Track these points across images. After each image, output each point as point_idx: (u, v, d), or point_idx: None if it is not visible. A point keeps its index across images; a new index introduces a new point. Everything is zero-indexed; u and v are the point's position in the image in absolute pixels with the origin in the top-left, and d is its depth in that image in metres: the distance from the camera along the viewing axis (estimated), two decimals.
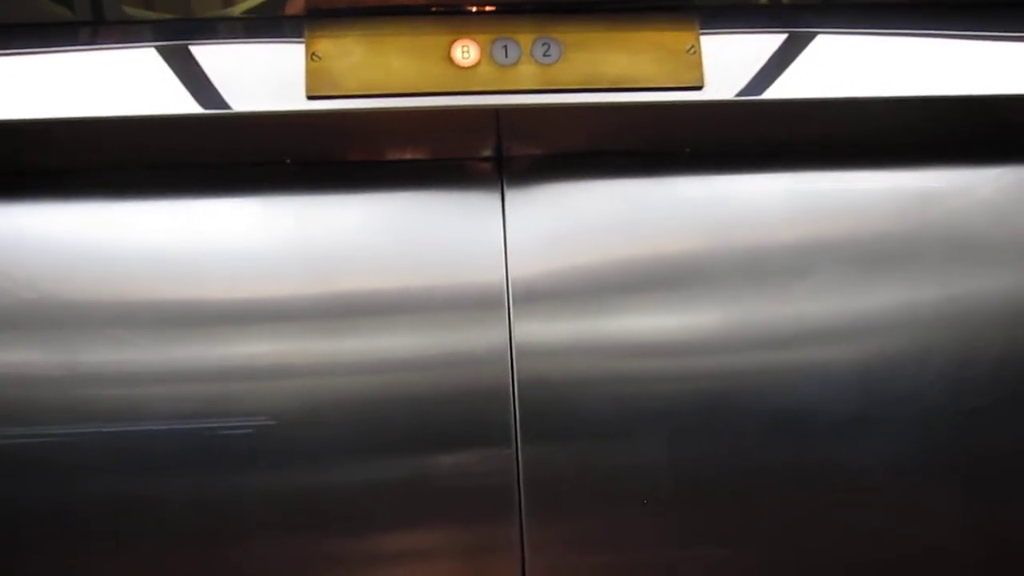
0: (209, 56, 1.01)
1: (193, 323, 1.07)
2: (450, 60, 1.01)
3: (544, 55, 1.02)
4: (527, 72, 1.01)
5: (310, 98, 1.00)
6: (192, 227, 1.09)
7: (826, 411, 1.10)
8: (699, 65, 1.02)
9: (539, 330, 1.09)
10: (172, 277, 1.07)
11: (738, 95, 1.03)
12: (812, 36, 1.05)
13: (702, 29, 1.03)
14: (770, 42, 1.05)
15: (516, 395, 1.08)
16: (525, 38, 1.02)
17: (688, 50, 1.03)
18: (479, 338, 1.09)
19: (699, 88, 1.02)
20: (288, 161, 1.11)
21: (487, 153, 1.13)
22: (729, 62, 1.03)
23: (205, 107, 0.99)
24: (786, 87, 1.03)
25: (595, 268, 1.11)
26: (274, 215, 1.10)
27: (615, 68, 1.02)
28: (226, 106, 1.00)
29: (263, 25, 1.03)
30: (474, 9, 1.03)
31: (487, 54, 1.01)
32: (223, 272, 1.08)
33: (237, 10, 1.04)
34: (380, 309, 1.09)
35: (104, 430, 1.03)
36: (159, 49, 1.01)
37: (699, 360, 1.10)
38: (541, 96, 1.01)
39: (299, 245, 1.09)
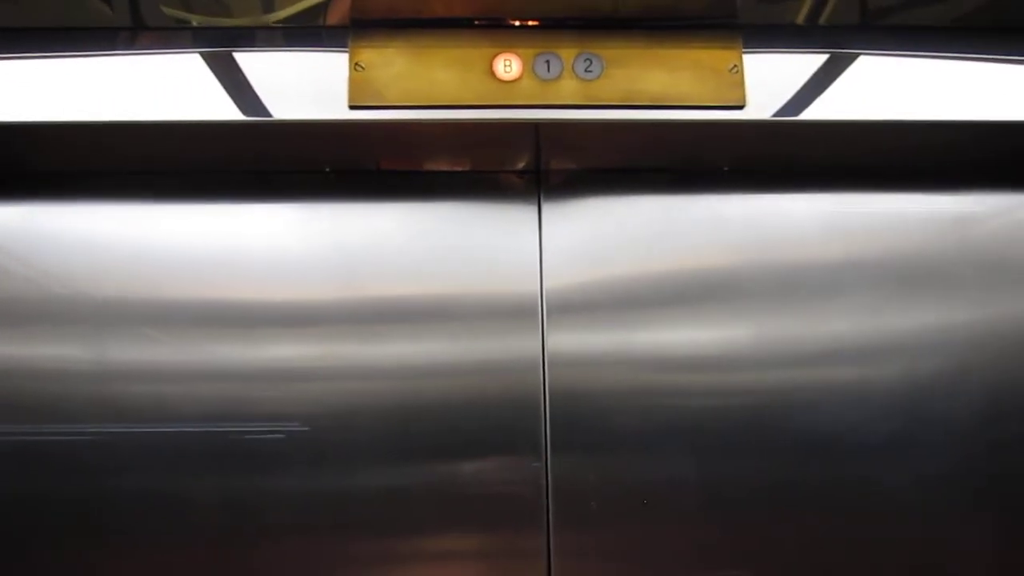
0: (252, 63, 1.02)
1: (226, 324, 1.08)
2: (492, 73, 1.01)
3: (586, 71, 1.02)
4: (568, 87, 1.02)
5: (352, 108, 1.00)
6: (229, 230, 1.10)
7: (858, 431, 1.10)
8: (741, 84, 1.02)
9: (572, 341, 1.10)
10: (207, 279, 1.09)
11: (778, 115, 1.03)
12: (854, 57, 1.05)
13: (745, 48, 1.03)
14: (812, 62, 1.05)
15: (547, 405, 1.08)
16: (567, 53, 1.02)
17: (731, 69, 1.02)
18: (512, 348, 1.09)
19: (741, 107, 1.02)
20: (328, 169, 1.11)
21: (526, 166, 1.13)
22: (771, 81, 1.03)
23: (248, 114, 1.00)
24: (827, 107, 1.03)
25: (630, 282, 1.12)
26: (311, 221, 1.11)
27: (657, 85, 1.02)
28: (268, 114, 1.00)
29: (307, 34, 1.04)
30: (517, 23, 1.03)
31: (529, 68, 1.02)
32: (258, 275, 1.09)
33: (279, 15, 1.04)
34: (414, 316, 1.10)
35: (133, 427, 1.05)
36: (203, 55, 1.02)
37: (731, 376, 1.11)
38: (581, 111, 1.01)
39: (335, 251, 1.10)
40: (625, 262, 1.12)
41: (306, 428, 1.06)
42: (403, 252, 1.11)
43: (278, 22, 1.04)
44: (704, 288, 1.12)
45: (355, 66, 1.01)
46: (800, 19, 1.06)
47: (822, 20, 1.06)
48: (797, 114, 1.03)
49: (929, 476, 1.10)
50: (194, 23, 1.04)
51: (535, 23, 1.03)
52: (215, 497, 1.05)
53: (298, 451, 1.06)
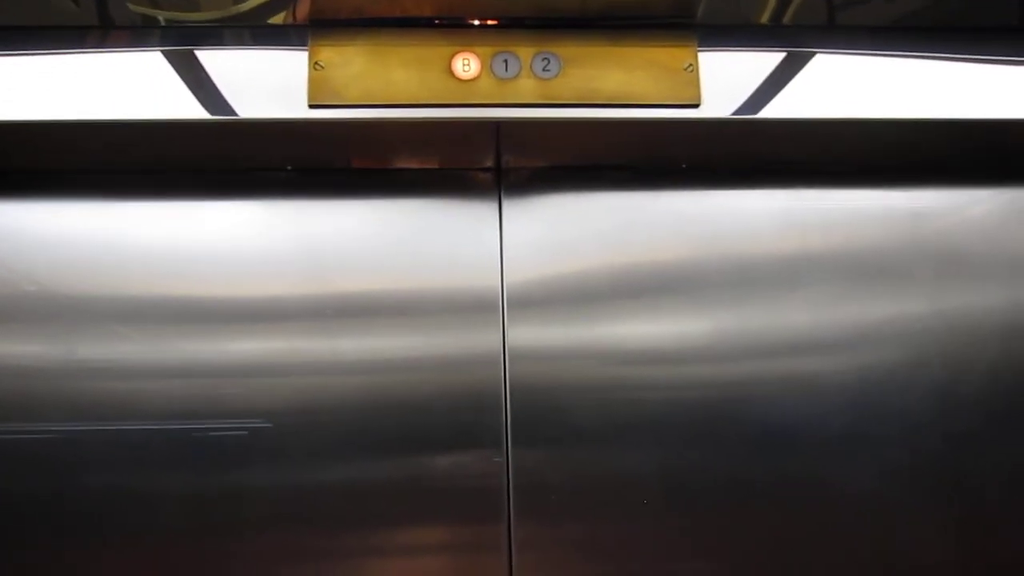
0: (215, 62, 1.03)
1: (192, 321, 1.09)
2: (451, 72, 1.02)
3: (544, 70, 1.03)
4: (526, 86, 1.03)
5: (312, 106, 1.01)
6: (192, 227, 1.11)
7: (815, 423, 1.12)
8: (696, 83, 1.03)
9: (532, 336, 1.11)
10: (170, 275, 1.09)
11: (735, 113, 1.04)
12: (810, 56, 1.06)
13: (700, 47, 1.04)
14: (768, 61, 1.06)
15: (508, 399, 1.10)
16: (525, 52, 1.03)
17: (686, 68, 1.04)
18: (473, 342, 1.11)
19: (696, 106, 1.03)
20: (289, 168, 1.13)
21: (486, 164, 1.15)
22: (727, 80, 1.04)
23: (211, 113, 1.01)
24: (783, 106, 1.04)
25: (589, 276, 1.13)
26: (273, 218, 1.12)
27: (613, 84, 1.03)
28: (231, 112, 1.01)
29: (268, 32, 1.05)
30: (476, 23, 1.04)
31: (487, 67, 1.03)
32: (221, 271, 1.10)
33: (243, 8, 1.05)
34: (377, 311, 1.11)
35: (101, 424, 1.06)
36: (165, 53, 1.03)
37: (689, 369, 1.12)
38: (539, 110, 1.02)
39: (298, 248, 1.11)
40: (584, 257, 1.13)
41: (270, 423, 1.07)
42: (365, 248, 1.12)
43: (242, 14, 1.04)
44: (663, 283, 1.14)
45: (315, 65, 1.02)
46: (763, 19, 1.06)
47: (784, 20, 1.07)
48: (753, 112, 1.04)
49: (890, 467, 1.12)
50: (160, 19, 1.05)
51: (494, 23, 1.04)
52: (182, 493, 1.06)
53: (263, 446, 1.07)
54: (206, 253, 1.11)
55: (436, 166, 1.15)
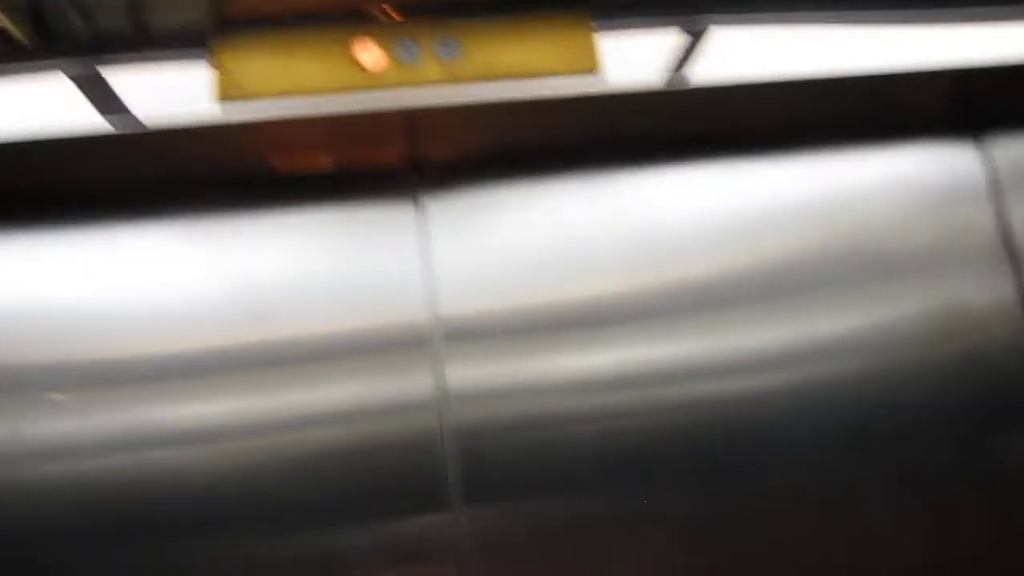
0: (117, 75, 1.03)
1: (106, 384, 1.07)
2: (356, 62, 1.04)
3: (446, 53, 1.05)
4: (430, 70, 1.05)
5: (219, 105, 1.01)
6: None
7: (771, 438, 1.13)
8: (594, 53, 1.06)
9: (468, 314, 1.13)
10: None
11: (634, 82, 1.07)
12: (705, 25, 1.10)
13: (596, 21, 1.08)
14: (665, 33, 1.10)
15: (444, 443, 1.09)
16: (426, 38, 1.05)
17: (584, 40, 1.07)
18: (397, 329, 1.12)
19: (596, 73, 1.06)
20: (203, 176, 1.12)
21: (402, 159, 1.16)
22: (625, 51, 1.07)
23: (117, 128, 1.00)
24: (683, 74, 1.08)
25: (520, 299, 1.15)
26: (185, 246, 1.12)
27: (513, 59, 1.05)
28: (138, 124, 1.00)
29: (171, 40, 1.05)
30: (376, 12, 1.06)
31: (391, 54, 1.05)
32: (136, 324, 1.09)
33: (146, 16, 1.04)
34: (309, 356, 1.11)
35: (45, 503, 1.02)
36: (68, 71, 1.03)
37: (632, 394, 1.13)
38: (446, 89, 1.04)
39: (211, 298, 1.11)
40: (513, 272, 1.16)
41: (207, 492, 1.05)
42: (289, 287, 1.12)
43: (143, 24, 1.04)
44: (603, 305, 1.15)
45: (219, 65, 1.03)
46: None
47: None
48: (654, 82, 1.07)
49: (839, 476, 1.13)
50: (61, 33, 1.04)
51: (394, 13, 1.06)
52: (120, 560, 1.03)
53: (202, 514, 1.04)
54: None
55: (351, 162, 1.15)
